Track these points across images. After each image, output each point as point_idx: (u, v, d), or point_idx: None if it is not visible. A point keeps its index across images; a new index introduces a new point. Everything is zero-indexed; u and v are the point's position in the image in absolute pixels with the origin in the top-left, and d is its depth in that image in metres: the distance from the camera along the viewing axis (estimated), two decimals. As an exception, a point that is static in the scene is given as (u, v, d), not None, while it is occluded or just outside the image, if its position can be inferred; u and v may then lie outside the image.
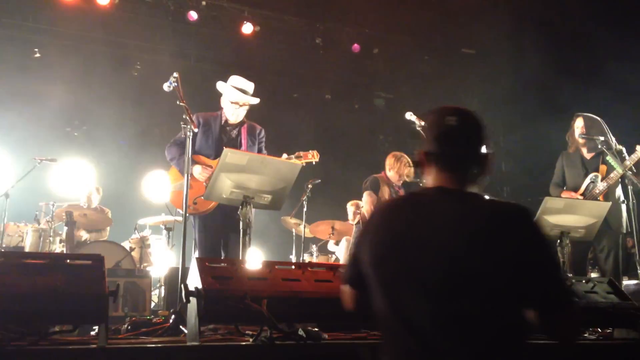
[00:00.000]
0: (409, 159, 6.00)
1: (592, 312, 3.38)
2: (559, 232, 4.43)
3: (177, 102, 4.23)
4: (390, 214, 1.86)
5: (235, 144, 4.82)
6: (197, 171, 4.57)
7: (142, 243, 6.55)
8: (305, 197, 6.71)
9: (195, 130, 4.08)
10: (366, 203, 6.15)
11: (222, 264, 2.93)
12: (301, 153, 4.76)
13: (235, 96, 4.82)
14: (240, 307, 2.71)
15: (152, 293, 6.16)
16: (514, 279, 1.64)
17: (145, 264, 6.56)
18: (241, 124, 4.92)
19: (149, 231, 7.00)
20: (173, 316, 3.65)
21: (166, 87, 4.30)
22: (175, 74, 4.27)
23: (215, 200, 4.04)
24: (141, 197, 8.27)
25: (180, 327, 3.58)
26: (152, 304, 6.10)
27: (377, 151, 7.43)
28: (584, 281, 3.65)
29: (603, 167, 5.22)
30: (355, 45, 9.14)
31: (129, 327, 3.70)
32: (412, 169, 5.95)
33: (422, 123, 4.93)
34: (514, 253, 1.65)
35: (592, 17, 7.09)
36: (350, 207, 7.33)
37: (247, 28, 8.75)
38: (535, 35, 7.56)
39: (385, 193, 6.08)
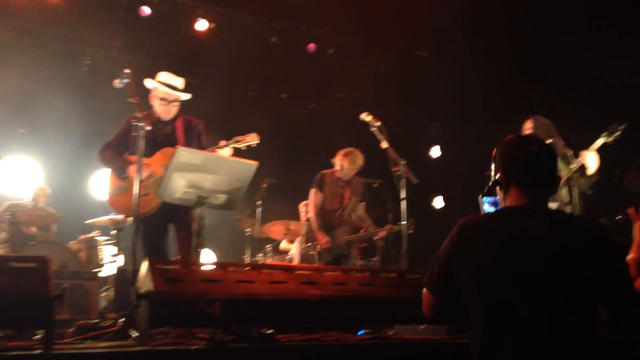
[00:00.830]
0: (358, 154, 6.07)
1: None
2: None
3: (128, 99, 4.12)
4: (490, 228, 2.13)
5: (172, 140, 4.69)
6: (135, 170, 4.43)
7: (90, 244, 6.36)
8: (260, 197, 6.64)
9: (148, 127, 3.97)
10: (310, 200, 6.22)
11: (174, 266, 2.84)
12: (239, 137, 4.68)
13: (164, 93, 4.69)
14: (193, 310, 2.65)
15: (100, 295, 5.99)
16: (597, 286, 1.98)
17: (92, 266, 6.37)
18: (175, 119, 4.81)
19: (98, 231, 6.80)
20: (121, 320, 3.55)
21: (117, 83, 4.19)
22: (126, 70, 4.16)
23: (168, 200, 3.94)
24: (89, 197, 8.04)
25: (129, 331, 3.49)
26: (100, 307, 5.93)
27: (333, 151, 7.41)
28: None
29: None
30: (311, 44, 9.10)
31: (76, 331, 3.58)
32: (358, 164, 6.03)
33: (378, 124, 4.96)
34: (596, 264, 1.98)
35: (548, 19, 7.24)
36: (302, 207, 7.30)
37: (202, 25, 8.58)
38: (489, 37, 7.68)
39: (331, 189, 6.12)
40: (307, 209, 6.55)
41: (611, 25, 6.86)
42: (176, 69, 8.61)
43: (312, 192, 6.16)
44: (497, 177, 2.21)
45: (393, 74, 8.96)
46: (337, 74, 9.13)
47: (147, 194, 4.42)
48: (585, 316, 1.97)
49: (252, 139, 4.66)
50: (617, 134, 4.98)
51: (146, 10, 8.31)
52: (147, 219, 4.43)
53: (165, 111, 4.71)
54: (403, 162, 4.74)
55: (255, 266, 2.93)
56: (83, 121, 8.05)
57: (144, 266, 2.78)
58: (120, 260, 6.43)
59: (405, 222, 5.06)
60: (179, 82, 4.85)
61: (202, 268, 2.91)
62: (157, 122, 4.69)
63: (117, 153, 4.64)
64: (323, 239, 6.00)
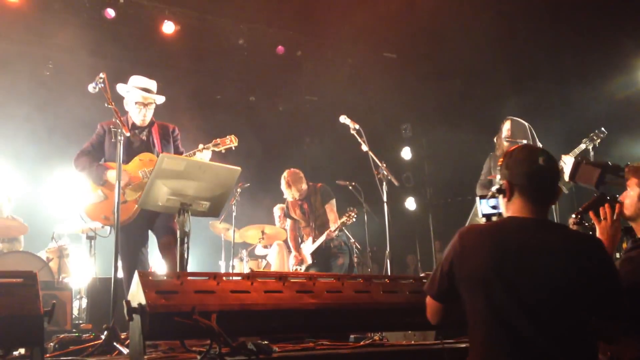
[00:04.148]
0: (296, 177, 6.19)
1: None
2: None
3: (105, 105, 4.00)
4: (493, 237, 2.15)
5: (148, 147, 4.61)
6: (113, 175, 4.31)
7: (61, 253, 6.17)
8: (234, 202, 6.57)
9: (128, 134, 3.86)
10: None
11: (166, 278, 2.76)
12: (218, 140, 4.59)
13: (138, 96, 4.59)
14: (187, 323, 2.57)
15: (73, 305, 5.82)
16: (591, 298, 2.05)
17: (64, 275, 6.18)
18: (150, 124, 4.70)
19: (67, 240, 6.61)
20: (105, 332, 3.45)
21: (91, 88, 4.06)
22: (102, 75, 4.04)
23: (151, 208, 3.84)
24: (57, 204, 7.80)
25: (115, 344, 3.39)
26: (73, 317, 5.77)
27: (304, 153, 7.40)
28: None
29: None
30: (280, 47, 9.05)
31: (57, 346, 3.46)
32: (302, 182, 6.11)
33: (357, 126, 4.95)
34: (594, 277, 2.05)
35: (517, 23, 7.37)
36: (277, 211, 7.28)
37: (168, 27, 8.44)
38: (457, 40, 7.77)
39: (296, 211, 6.26)
40: (282, 213, 6.65)
41: (586, 31, 7.03)
42: (142, 72, 8.47)
43: (284, 220, 6.51)
44: (502, 184, 2.23)
45: (362, 77, 9.00)
46: (306, 76, 9.11)
47: (125, 201, 4.32)
48: (582, 328, 2.04)
49: (232, 142, 4.59)
50: (597, 140, 5.11)
51: (111, 12, 8.14)
52: (126, 227, 4.31)
53: (141, 115, 4.59)
54: (383, 165, 4.75)
55: (249, 275, 2.87)
56: (48, 126, 7.82)
57: (135, 278, 2.69)
58: (92, 268, 6.26)
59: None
60: (153, 84, 4.74)
61: (194, 278, 2.83)
62: (132, 128, 4.57)
63: (92, 160, 4.51)
64: (299, 257, 6.31)
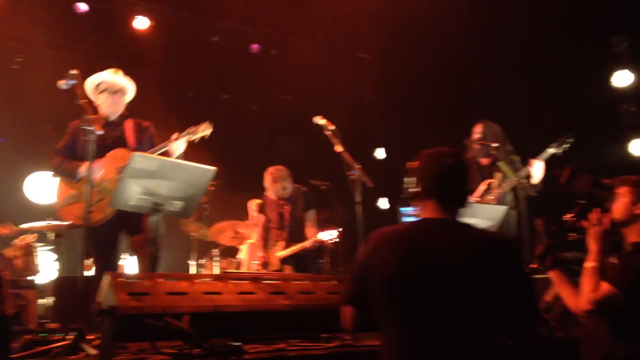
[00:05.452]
0: (283, 174, 6.09)
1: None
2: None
3: (76, 101, 3.92)
4: (399, 239, 2.16)
5: (121, 142, 4.52)
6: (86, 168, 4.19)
7: (27, 250, 6.04)
8: (206, 200, 6.50)
9: (100, 132, 3.79)
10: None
11: (138, 279, 2.73)
12: (192, 128, 4.49)
13: (107, 83, 4.49)
14: (159, 325, 2.55)
15: (38, 304, 5.70)
16: (499, 297, 2.03)
17: (29, 273, 6.05)
18: (124, 119, 4.63)
19: (34, 236, 6.46)
20: (72, 333, 3.39)
21: (63, 85, 3.97)
22: (73, 71, 3.96)
23: (122, 208, 3.79)
24: (23, 201, 7.65)
25: (83, 345, 3.34)
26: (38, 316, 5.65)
27: (277, 153, 7.38)
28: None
29: (498, 174, 5.50)
30: (254, 45, 9.01)
31: (23, 347, 3.39)
32: (288, 181, 6.04)
33: (332, 127, 4.95)
34: (501, 276, 2.04)
35: (493, 26, 7.44)
36: (252, 206, 7.16)
37: (141, 23, 8.34)
38: (432, 41, 7.84)
39: (271, 210, 6.15)
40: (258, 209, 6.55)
41: (562, 36, 7.15)
42: (114, 68, 8.38)
43: (257, 216, 6.29)
44: (416, 188, 2.24)
45: (337, 76, 9.01)
46: (281, 75, 9.09)
47: (101, 199, 4.23)
48: (484, 327, 2.03)
49: (206, 128, 4.51)
50: (565, 146, 5.20)
51: (82, 6, 8.00)
52: (99, 227, 4.23)
53: (112, 104, 4.50)
54: (358, 165, 4.75)
55: (222, 277, 2.86)
56: (16, 121, 7.66)
57: (105, 279, 2.66)
58: (60, 267, 6.16)
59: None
60: (119, 74, 4.65)
61: (167, 280, 2.81)
62: (105, 124, 4.48)
63: (66, 160, 4.42)
64: (263, 257, 6.14)
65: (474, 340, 1.99)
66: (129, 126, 4.60)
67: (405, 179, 2.29)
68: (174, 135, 4.42)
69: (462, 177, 2.25)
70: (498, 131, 5.47)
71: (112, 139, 4.48)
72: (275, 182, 6.04)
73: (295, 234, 6.12)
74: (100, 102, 4.58)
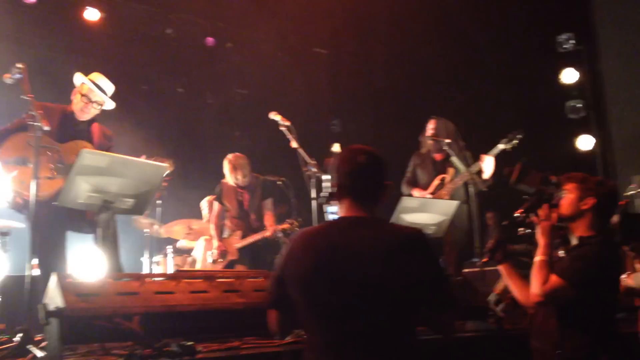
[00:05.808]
0: (243, 162, 6.09)
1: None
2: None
3: (21, 96, 3.81)
4: (312, 239, 2.16)
5: (89, 139, 4.48)
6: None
7: (-29, 249, 5.82)
8: (160, 196, 6.40)
9: (47, 128, 3.68)
10: (211, 210, 6.33)
11: (86, 280, 2.68)
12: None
13: (88, 90, 4.47)
14: (109, 326, 2.51)
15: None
16: (415, 290, 2.03)
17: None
18: (91, 121, 4.61)
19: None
20: (18, 335, 3.30)
21: (8, 78, 3.86)
22: (19, 65, 3.85)
23: (71, 206, 3.69)
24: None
25: (29, 347, 3.25)
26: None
27: (234, 147, 7.28)
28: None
29: (451, 170, 5.60)
30: (209, 38, 8.90)
31: (-34, 349, 3.28)
32: (247, 169, 6.04)
33: (288, 123, 4.94)
34: (415, 270, 2.03)
35: (449, 22, 7.55)
36: (205, 204, 7.12)
37: (91, 14, 8.13)
38: (388, 36, 7.90)
39: (229, 197, 6.12)
40: (211, 207, 6.49)
41: (514, 36, 7.30)
42: (65, 60, 8.15)
43: (213, 203, 6.26)
44: (333, 187, 2.25)
45: (293, 71, 8.98)
46: (236, 69, 9.00)
47: (52, 178, 4.12)
48: (403, 321, 2.04)
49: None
50: (515, 141, 5.34)
51: (30, -3, 7.75)
52: (46, 224, 4.08)
53: (82, 109, 4.49)
54: (313, 162, 4.76)
55: (175, 276, 2.82)
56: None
57: (52, 280, 2.59)
58: (6, 266, 5.96)
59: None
60: (110, 87, 4.64)
61: (117, 280, 2.76)
62: (70, 115, 4.47)
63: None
64: (215, 246, 6.11)
65: (394, 336, 2.00)
66: (95, 130, 4.60)
67: (324, 178, 2.35)
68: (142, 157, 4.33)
69: (374, 174, 2.22)
70: (451, 127, 5.57)
71: (75, 132, 4.42)
72: (235, 169, 6.04)
73: (251, 224, 6.12)
74: (74, 100, 4.57)
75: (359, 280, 2.00)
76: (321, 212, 4.46)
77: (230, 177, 6.10)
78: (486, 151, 5.38)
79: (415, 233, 2.15)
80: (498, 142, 5.40)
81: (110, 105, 4.63)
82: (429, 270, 2.08)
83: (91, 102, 4.51)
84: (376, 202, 2.22)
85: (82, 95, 4.49)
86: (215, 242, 6.12)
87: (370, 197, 2.20)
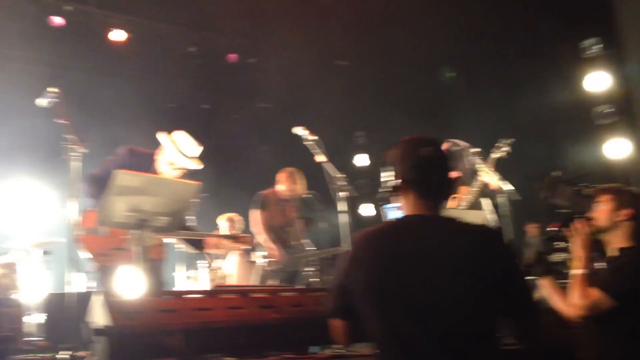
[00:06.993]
0: (302, 176, 6.09)
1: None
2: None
3: (56, 120, 3.92)
4: (378, 243, 1.98)
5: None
6: None
7: (12, 268, 5.97)
8: (190, 212, 6.47)
9: (84, 150, 3.79)
10: (251, 221, 6.26)
11: (129, 298, 2.76)
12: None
13: (174, 157, 4.39)
14: (152, 343, 2.58)
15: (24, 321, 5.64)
16: (494, 294, 1.87)
17: (13, 292, 5.98)
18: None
19: (17, 254, 6.39)
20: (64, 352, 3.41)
21: (44, 102, 3.98)
22: (53, 89, 3.98)
23: (109, 226, 3.80)
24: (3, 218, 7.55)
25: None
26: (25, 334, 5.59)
27: (260, 162, 7.38)
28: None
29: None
30: (232, 54, 9.04)
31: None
32: (303, 185, 6.07)
33: (315, 137, 4.97)
34: (493, 271, 1.88)
35: (468, 31, 7.56)
36: (222, 222, 7.11)
37: (118, 35, 8.34)
38: (409, 47, 7.94)
39: (273, 208, 6.16)
40: (232, 224, 6.54)
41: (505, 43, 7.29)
42: (91, 81, 8.32)
43: (256, 213, 6.18)
44: (395, 182, 2.05)
45: (315, 84, 9.07)
46: (260, 84, 9.12)
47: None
48: (485, 329, 1.88)
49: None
50: (505, 149, 5.25)
51: (57, 20, 7.96)
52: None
53: (168, 172, 4.41)
54: (342, 175, 4.78)
55: (211, 292, 2.89)
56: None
57: (97, 299, 2.67)
58: (48, 284, 6.09)
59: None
60: (196, 149, 4.48)
61: (156, 298, 2.83)
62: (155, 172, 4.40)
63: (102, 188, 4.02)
64: (278, 254, 5.97)
65: (475, 346, 1.82)
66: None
67: (382, 172, 2.09)
68: None
69: (441, 166, 2.04)
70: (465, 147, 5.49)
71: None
72: (294, 182, 6.15)
73: (294, 237, 6.18)
74: (160, 162, 4.47)
75: (435, 286, 1.84)
76: (357, 224, 4.45)
77: (287, 188, 6.15)
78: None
79: (491, 231, 2.00)
80: (490, 153, 5.30)
81: (194, 167, 4.46)
82: (510, 273, 1.92)
83: (175, 169, 4.44)
84: (445, 198, 2.07)
85: (168, 162, 4.40)
86: (273, 249, 6.01)
87: (438, 193, 2.03)
